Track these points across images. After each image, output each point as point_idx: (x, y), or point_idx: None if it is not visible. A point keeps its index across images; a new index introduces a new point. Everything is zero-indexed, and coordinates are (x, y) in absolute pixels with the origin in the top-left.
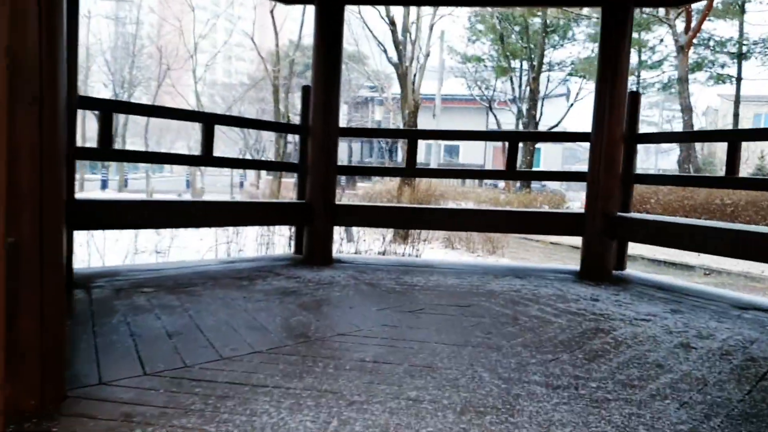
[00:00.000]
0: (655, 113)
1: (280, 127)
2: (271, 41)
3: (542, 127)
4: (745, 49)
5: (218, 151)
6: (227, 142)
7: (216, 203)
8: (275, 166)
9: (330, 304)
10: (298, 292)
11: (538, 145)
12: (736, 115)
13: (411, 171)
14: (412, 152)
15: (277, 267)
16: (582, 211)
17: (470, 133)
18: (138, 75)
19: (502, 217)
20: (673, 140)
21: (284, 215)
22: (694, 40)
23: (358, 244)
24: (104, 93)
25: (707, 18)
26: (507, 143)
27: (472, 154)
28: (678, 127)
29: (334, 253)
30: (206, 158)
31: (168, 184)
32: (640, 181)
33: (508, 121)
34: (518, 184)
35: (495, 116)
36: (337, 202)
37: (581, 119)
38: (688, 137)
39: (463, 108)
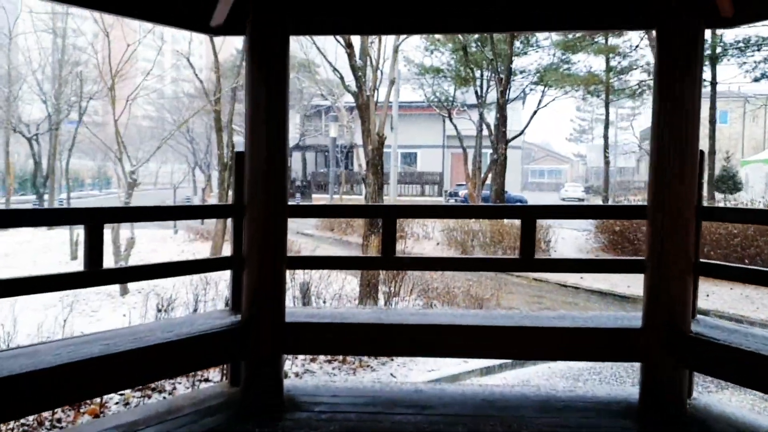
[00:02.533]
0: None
1: (203, 212)
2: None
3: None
4: (719, 50)
5: (167, 167)
6: (179, 157)
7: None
8: (196, 266)
9: None
10: None
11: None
12: (712, 118)
13: (391, 262)
14: (388, 235)
15: (195, 425)
16: (638, 324)
17: (466, 209)
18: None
19: (523, 338)
20: (749, 220)
21: (205, 351)
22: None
23: (317, 301)
24: (38, 114)
25: None
26: (521, 221)
27: (429, 161)
28: None
29: (288, 373)
30: (91, 274)
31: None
32: (709, 272)
33: (467, 128)
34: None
35: (455, 125)
36: (288, 310)
37: (541, 127)
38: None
39: (419, 115)
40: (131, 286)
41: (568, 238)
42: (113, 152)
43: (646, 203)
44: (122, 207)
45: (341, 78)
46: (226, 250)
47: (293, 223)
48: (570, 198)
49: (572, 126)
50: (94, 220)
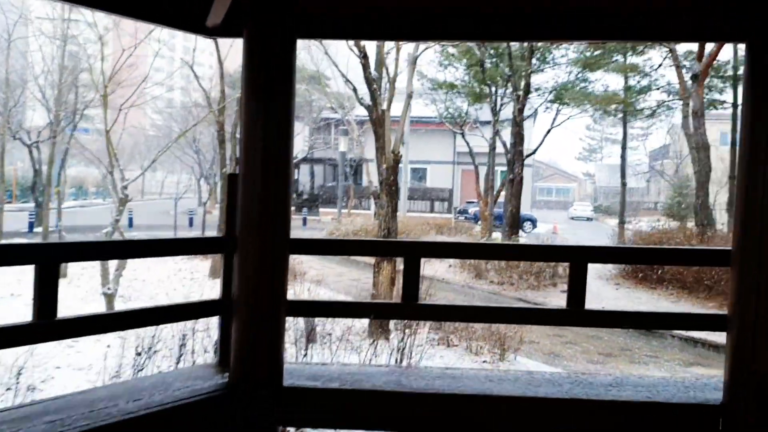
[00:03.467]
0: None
1: (185, 246)
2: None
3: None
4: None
5: (174, 177)
6: (186, 168)
7: None
8: (175, 313)
9: None
10: None
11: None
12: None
13: (414, 310)
14: (411, 277)
15: None
16: (717, 398)
17: (504, 249)
18: (74, 102)
19: (575, 413)
20: None
21: (181, 429)
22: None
23: (323, 349)
24: (39, 121)
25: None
26: (569, 264)
27: (439, 177)
28: (688, 166)
29: None
30: (41, 327)
31: (85, 219)
32: None
33: (479, 145)
34: (499, 219)
35: (467, 142)
36: (287, 367)
37: (548, 145)
38: None
39: (430, 131)
40: (120, 309)
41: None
42: (104, 164)
43: (729, 247)
44: (80, 242)
45: (354, 90)
46: None
47: (295, 232)
48: (579, 217)
49: (581, 145)
50: (45, 259)
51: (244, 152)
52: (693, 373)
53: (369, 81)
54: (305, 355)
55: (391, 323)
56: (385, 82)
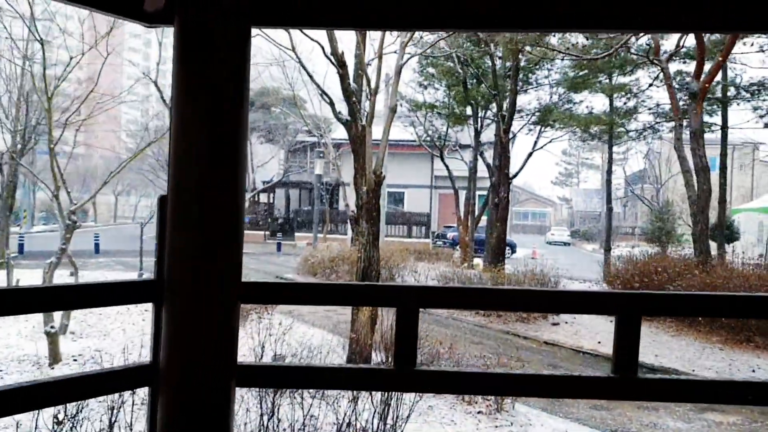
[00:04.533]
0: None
1: (99, 294)
2: None
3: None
4: (731, 93)
5: (147, 200)
6: (158, 191)
7: None
8: (87, 386)
9: None
10: None
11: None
12: (723, 165)
13: (409, 378)
14: (405, 333)
15: None
16: None
17: (525, 296)
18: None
19: None
20: None
21: None
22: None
23: (291, 407)
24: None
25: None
26: (615, 320)
27: (417, 201)
28: (680, 187)
29: None
30: None
31: (50, 245)
32: None
33: (458, 168)
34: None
35: (446, 165)
36: None
37: (529, 170)
38: None
39: (408, 154)
40: (66, 351)
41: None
42: (49, 188)
43: None
44: None
45: (331, 104)
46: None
47: (271, 266)
48: (556, 242)
49: (558, 170)
50: None
51: (174, 171)
52: None
53: (347, 93)
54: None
55: (377, 358)
56: (366, 95)
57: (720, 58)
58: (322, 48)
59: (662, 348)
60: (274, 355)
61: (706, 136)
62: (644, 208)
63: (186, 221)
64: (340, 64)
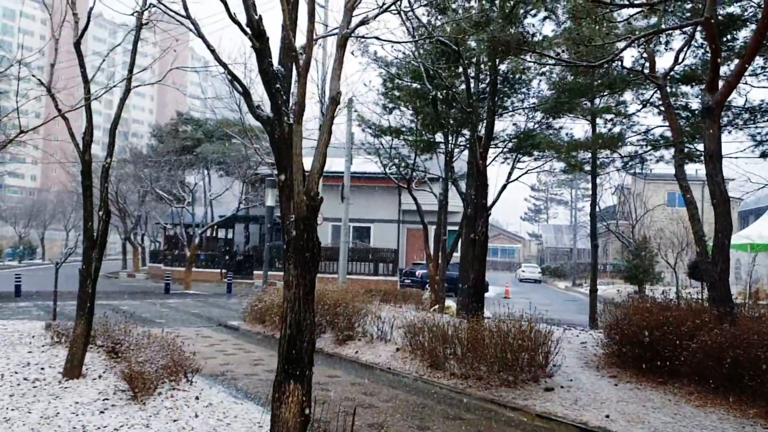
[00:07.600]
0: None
1: None
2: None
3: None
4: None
5: (111, 237)
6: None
7: None
8: None
9: None
10: None
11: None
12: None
13: None
14: None
15: None
16: None
17: None
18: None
19: None
20: None
21: None
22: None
23: None
24: None
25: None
26: None
27: (384, 237)
28: (654, 222)
29: None
30: None
31: None
32: None
33: (428, 202)
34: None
35: (414, 198)
36: None
37: (498, 205)
38: None
39: (373, 187)
40: None
41: (573, 343)
42: None
43: None
44: None
45: (245, 93)
46: (94, 364)
47: (217, 310)
48: (527, 279)
49: (527, 205)
50: None
51: None
52: None
53: (267, 77)
54: None
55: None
56: (294, 81)
57: (740, 66)
58: (226, 5)
59: (690, 425)
60: None
61: (661, 171)
62: (615, 245)
63: None
64: (257, 34)
